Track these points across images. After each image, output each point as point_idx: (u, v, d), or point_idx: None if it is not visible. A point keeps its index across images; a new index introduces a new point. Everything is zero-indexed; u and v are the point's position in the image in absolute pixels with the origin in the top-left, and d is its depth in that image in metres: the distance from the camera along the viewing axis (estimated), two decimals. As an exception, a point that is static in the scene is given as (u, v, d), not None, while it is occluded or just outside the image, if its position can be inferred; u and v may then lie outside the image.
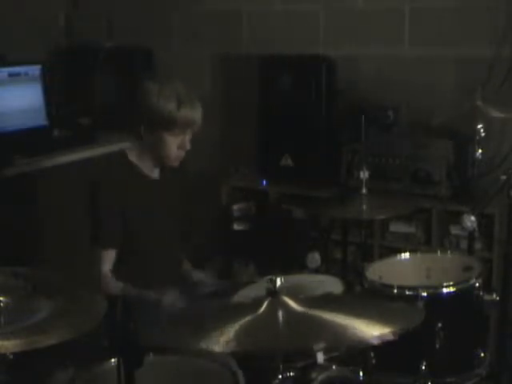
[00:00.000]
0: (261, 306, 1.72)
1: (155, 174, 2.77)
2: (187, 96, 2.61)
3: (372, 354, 2.35)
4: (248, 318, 1.69)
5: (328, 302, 1.95)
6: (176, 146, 2.64)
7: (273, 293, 1.74)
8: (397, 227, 3.71)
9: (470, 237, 2.96)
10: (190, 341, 1.69)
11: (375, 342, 1.66)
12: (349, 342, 1.66)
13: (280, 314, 1.70)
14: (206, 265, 3.19)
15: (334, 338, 1.64)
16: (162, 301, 2.54)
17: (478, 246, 3.30)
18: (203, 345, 1.62)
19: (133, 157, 2.71)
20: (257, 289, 2.24)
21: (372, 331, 1.64)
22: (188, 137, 2.65)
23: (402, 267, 2.70)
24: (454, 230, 3.56)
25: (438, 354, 2.35)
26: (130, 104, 2.70)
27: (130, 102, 2.70)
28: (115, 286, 2.62)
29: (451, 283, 2.41)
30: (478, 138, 2.90)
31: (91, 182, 2.70)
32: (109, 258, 2.66)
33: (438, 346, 2.34)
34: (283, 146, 3.95)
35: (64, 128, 4.08)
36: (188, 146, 2.66)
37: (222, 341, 1.61)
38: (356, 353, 2.33)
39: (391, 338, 1.65)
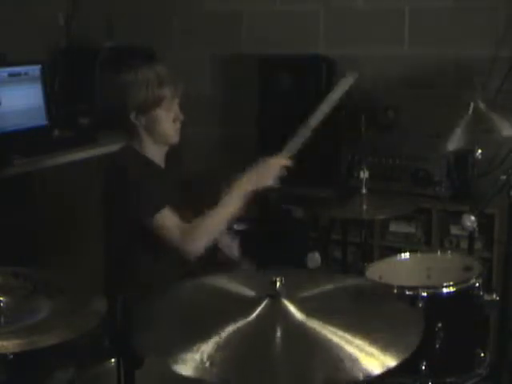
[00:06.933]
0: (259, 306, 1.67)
1: (162, 163, 2.77)
2: (165, 71, 2.65)
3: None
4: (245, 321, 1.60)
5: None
6: (171, 119, 2.67)
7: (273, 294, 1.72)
8: (397, 227, 3.72)
9: (470, 237, 2.96)
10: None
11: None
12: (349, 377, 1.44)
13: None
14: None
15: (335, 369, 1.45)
16: None
17: (478, 245, 3.31)
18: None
19: (139, 148, 2.72)
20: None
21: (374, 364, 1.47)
22: (177, 106, 2.69)
23: (402, 267, 2.71)
24: (454, 230, 3.57)
25: (437, 354, 2.35)
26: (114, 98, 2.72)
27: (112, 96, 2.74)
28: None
29: (451, 283, 2.41)
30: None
31: (106, 171, 2.69)
32: (168, 215, 2.55)
33: (437, 346, 2.34)
34: (283, 145, 3.94)
35: (64, 128, 4.07)
36: (181, 116, 2.69)
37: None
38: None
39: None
